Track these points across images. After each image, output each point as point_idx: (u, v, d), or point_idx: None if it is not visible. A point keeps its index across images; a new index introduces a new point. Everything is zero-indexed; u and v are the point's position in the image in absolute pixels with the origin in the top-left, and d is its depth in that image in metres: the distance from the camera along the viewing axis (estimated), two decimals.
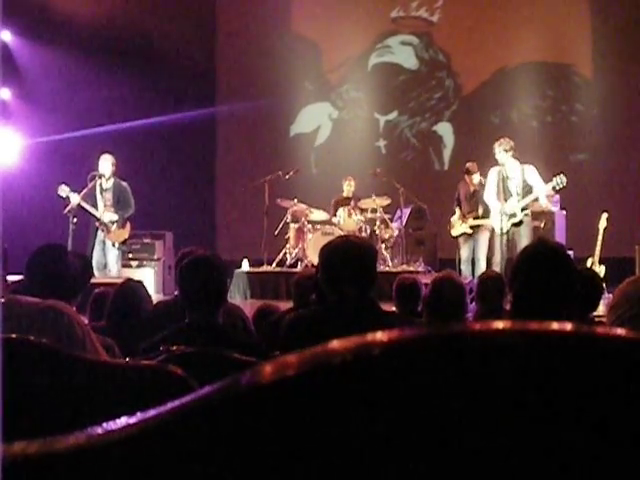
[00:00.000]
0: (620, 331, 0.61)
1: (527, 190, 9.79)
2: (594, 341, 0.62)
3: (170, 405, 0.65)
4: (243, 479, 0.62)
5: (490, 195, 10.11)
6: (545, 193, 9.86)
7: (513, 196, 9.78)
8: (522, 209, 9.73)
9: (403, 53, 16.07)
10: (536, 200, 9.89)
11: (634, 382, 0.60)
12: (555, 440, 0.60)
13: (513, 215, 9.73)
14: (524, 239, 9.60)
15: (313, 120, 16.20)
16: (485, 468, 0.60)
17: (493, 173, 10.15)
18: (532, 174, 9.86)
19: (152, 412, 0.66)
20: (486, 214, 10.59)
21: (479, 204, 10.91)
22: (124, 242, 10.79)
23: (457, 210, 11.32)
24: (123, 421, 0.66)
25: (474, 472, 0.60)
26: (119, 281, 8.96)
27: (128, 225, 10.76)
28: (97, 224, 10.56)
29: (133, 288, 4.84)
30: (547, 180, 9.73)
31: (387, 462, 0.60)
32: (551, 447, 0.60)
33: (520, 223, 9.74)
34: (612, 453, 0.60)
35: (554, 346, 0.61)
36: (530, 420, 0.60)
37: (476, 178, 11.01)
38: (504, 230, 9.79)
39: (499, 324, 0.62)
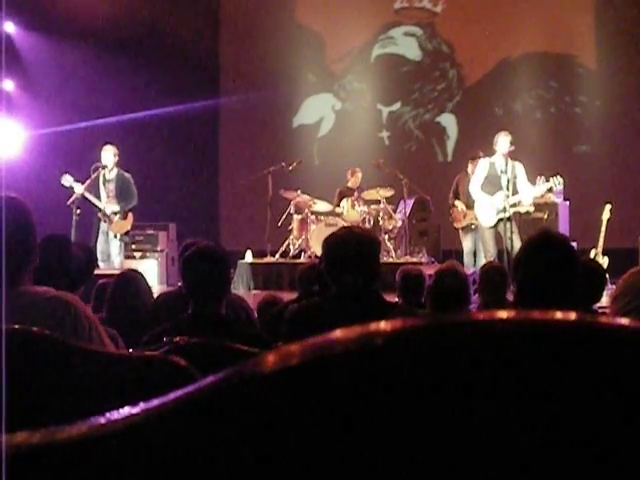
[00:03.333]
0: (624, 320, 0.61)
1: (516, 186, 9.67)
2: (599, 330, 0.61)
3: (173, 395, 0.65)
4: (245, 468, 0.62)
5: (476, 187, 10.01)
6: (532, 195, 9.77)
7: (502, 190, 9.62)
8: (511, 205, 9.60)
9: (406, 44, 16.03)
10: (520, 202, 9.73)
11: (637, 370, 0.59)
12: (559, 428, 0.60)
13: (503, 210, 9.59)
14: (514, 233, 9.53)
15: (316, 111, 16.18)
16: (489, 457, 0.60)
17: (484, 165, 10.05)
18: (521, 173, 9.76)
19: (155, 402, 0.66)
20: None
21: None
22: (126, 233, 10.76)
23: (459, 203, 11.30)
24: (126, 411, 0.66)
25: (478, 461, 0.60)
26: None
27: (130, 216, 10.72)
28: (100, 215, 10.55)
29: (132, 278, 4.85)
30: (544, 174, 9.68)
31: (388, 453, 0.60)
32: (555, 435, 0.60)
33: (509, 219, 9.61)
34: (617, 442, 0.60)
35: (558, 335, 0.61)
36: (533, 409, 0.60)
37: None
38: (492, 224, 9.75)
39: (502, 313, 0.62)
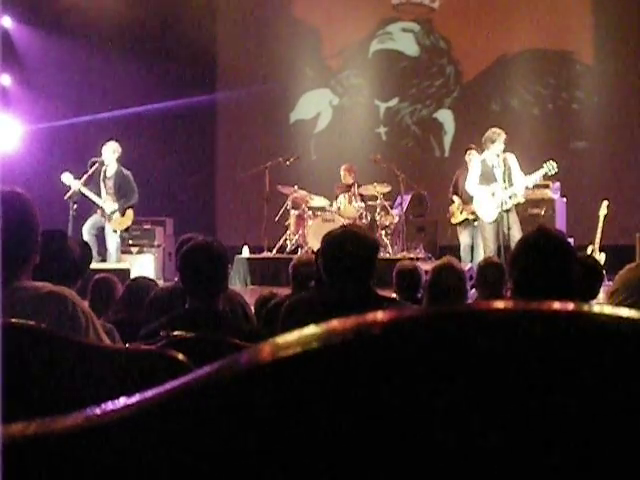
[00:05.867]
0: (621, 311, 0.61)
1: (511, 177, 9.68)
2: (595, 320, 0.61)
3: (168, 385, 0.65)
4: (240, 458, 0.62)
5: (472, 184, 10.02)
6: (525, 184, 9.76)
7: (499, 184, 9.62)
8: (510, 197, 9.60)
9: (404, 40, 16.03)
10: (516, 193, 9.73)
11: (635, 361, 0.60)
12: (551, 418, 0.60)
13: (503, 203, 9.58)
14: (514, 226, 9.54)
15: (313, 107, 16.18)
16: (484, 446, 0.60)
17: (477, 161, 10.07)
18: (514, 164, 9.77)
19: (150, 393, 0.66)
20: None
21: None
22: (126, 229, 10.74)
23: (456, 198, 11.32)
24: (121, 402, 0.66)
25: (472, 450, 0.60)
26: (118, 267, 8.97)
27: (130, 213, 10.69)
28: (98, 211, 10.53)
29: (144, 286, 4.89)
30: (539, 167, 9.68)
31: (386, 442, 0.60)
32: (547, 424, 0.60)
33: (509, 210, 9.61)
34: (611, 432, 0.60)
35: (555, 325, 0.61)
36: (528, 397, 0.60)
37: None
38: (493, 218, 9.74)
39: (499, 303, 0.62)
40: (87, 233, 10.47)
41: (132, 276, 9.70)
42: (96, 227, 10.58)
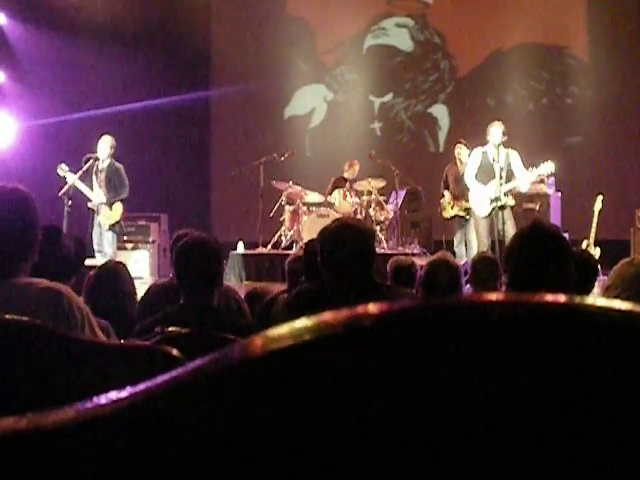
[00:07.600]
0: (614, 302, 0.61)
1: (510, 174, 9.65)
2: (588, 312, 0.61)
3: (160, 379, 0.65)
4: (231, 453, 0.62)
5: (470, 176, 9.99)
6: (529, 181, 9.75)
7: (496, 179, 9.56)
8: (505, 194, 9.57)
9: (398, 35, 16.03)
10: (515, 188, 9.72)
11: (629, 354, 0.59)
12: (543, 411, 0.60)
13: (497, 199, 9.54)
14: (508, 221, 9.52)
15: (308, 102, 16.18)
16: (477, 440, 0.60)
17: (477, 154, 10.02)
18: (516, 160, 9.73)
19: (142, 386, 0.66)
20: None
21: None
22: (117, 224, 10.65)
23: (446, 193, 11.33)
24: (113, 395, 0.66)
25: (465, 443, 0.60)
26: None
27: (119, 207, 10.56)
28: (89, 205, 10.50)
29: (114, 270, 4.75)
30: (536, 163, 9.67)
31: (376, 435, 0.60)
32: (541, 418, 0.60)
33: (503, 207, 9.58)
34: (605, 426, 0.60)
35: (548, 316, 0.61)
36: (520, 389, 0.60)
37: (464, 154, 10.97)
38: (486, 214, 9.72)
39: (491, 295, 0.62)
40: (96, 235, 10.48)
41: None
42: (98, 225, 10.56)
